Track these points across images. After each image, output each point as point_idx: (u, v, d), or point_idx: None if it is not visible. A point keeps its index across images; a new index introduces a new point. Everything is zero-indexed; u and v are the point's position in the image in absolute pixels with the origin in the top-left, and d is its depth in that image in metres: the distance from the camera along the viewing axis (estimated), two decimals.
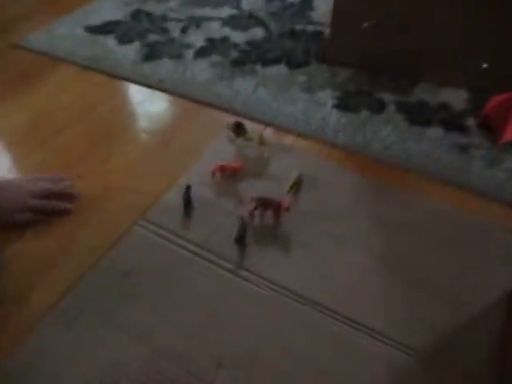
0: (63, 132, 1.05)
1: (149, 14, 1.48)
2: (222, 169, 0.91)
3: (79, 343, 0.65)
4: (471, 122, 1.07)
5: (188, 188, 0.86)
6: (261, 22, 1.44)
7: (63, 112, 1.11)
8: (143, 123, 1.10)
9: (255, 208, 0.84)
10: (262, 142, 0.96)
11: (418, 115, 1.09)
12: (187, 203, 0.85)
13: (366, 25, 1.14)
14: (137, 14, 1.47)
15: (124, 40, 1.35)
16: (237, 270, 0.76)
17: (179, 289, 0.73)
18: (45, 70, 1.26)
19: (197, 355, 0.64)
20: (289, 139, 1.02)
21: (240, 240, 0.79)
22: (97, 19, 1.45)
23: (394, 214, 0.86)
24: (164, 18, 1.46)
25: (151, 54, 1.28)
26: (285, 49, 1.32)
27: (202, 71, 1.22)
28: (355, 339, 0.67)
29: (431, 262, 0.78)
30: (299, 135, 1.03)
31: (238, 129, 0.96)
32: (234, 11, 1.50)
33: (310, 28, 1.41)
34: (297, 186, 0.89)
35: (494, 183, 0.92)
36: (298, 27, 1.42)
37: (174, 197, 0.87)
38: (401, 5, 1.11)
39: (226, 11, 1.50)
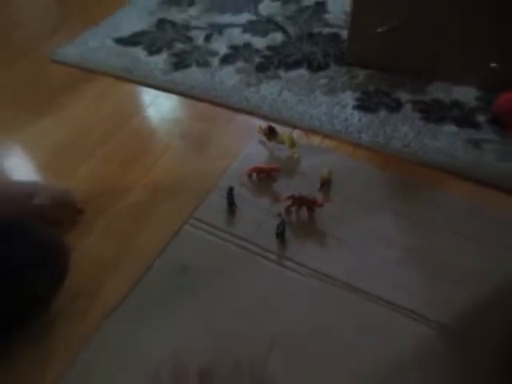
0: (105, 143, 1.13)
1: (172, 23, 1.56)
2: (259, 170, 1.01)
3: (147, 331, 0.76)
4: (482, 118, 1.16)
5: (231, 189, 0.95)
6: (279, 27, 1.53)
7: (102, 124, 1.19)
8: (178, 130, 1.19)
9: (291, 205, 0.93)
10: (292, 144, 1.06)
11: (433, 113, 1.17)
12: (231, 203, 0.95)
13: (381, 29, 1.22)
14: (161, 24, 1.56)
15: (152, 50, 1.44)
16: (280, 260, 0.86)
17: (232, 280, 0.83)
18: (79, 82, 1.34)
19: (253, 337, 0.75)
20: (316, 140, 1.12)
21: (280, 235, 0.89)
22: (124, 30, 1.54)
23: (417, 208, 0.96)
24: (187, 27, 1.54)
25: (180, 62, 1.37)
26: (304, 52, 1.40)
27: (228, 77, 1.31)
28: (388, 316, 0.77)
29: (452, 251, 0.87)
30: (325, 136, 1.12)
31: (271, 133, 1.06)
32: (253, 17, 1.59)
33: (327, 30, 1.50)
34: (328, 183, 0.99)
35: (507, 175, 1.01)
36: (315, 30, 1.50)
37: (218, 198, 0.97)
38: (415, 9, 1.19)
39: (245, 17, 1.59)
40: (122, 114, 1.23)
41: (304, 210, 0.93)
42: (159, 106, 1.27)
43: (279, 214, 0.92)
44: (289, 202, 0.93)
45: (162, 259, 0.86)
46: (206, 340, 0.74)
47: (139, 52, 1.44)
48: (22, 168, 1.09)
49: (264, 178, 1.02)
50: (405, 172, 1.04)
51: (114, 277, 0.84)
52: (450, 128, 1.13)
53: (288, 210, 0.94)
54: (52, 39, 1.54)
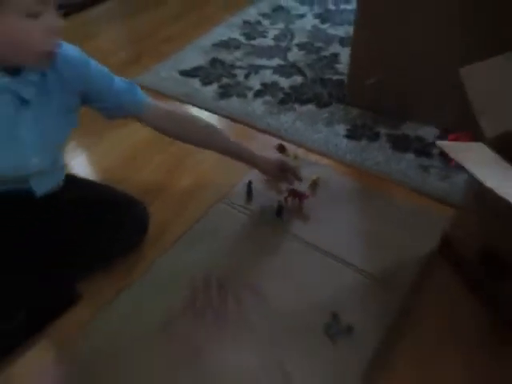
0: (168, 146, 1.65)
1: (222, 62, 2.10)
2: None
3: (190, 262, 1.25)
4: (436, 151, 1.61)
5: (250, 183, 1.45)
6: (300, 71, 2.03)
7: None
8: None
9: (288, 196, 1.42)
10: (295, 157, 1.55)
11: (400, 144, 1.64)
12: (249, 192, 1.45)
13: (368, 81, 1.70)
14: (214, 62, 2.10)
15: (206, 82, 1.97)
16: (276, 229, 1.35)
17: (247, 238, 1.33)
18: None
19: (251, 269, 1.24)
20: (313, 156, 1.61)
21: (279, 214, 1.38)
22: (186, 64, 2.08)
23: (375, 206, 1.43)
24: (233, 66, 2.07)
25: (225, 93, 1.90)
26: (316, 92, 1.90)
27: (258, 107, 1.82)
28: (342, 270, 1.24)
29: (393, 235, 1.33)
30: (320, 154, 1.61)
31: (281, 148, 1.56)
32: (282, 62, 2.10)
33: (336, 77, 1.99)
34: (315, 184, 1.47)
35: (442, 191, 1.46)
36: (327, 76, 2.00)
37: (241, 187, 1.47)
38: (396, 66, 1.67)
39: (276, 61, 2.10)
40: None
41: (296, 200, 1.42)
42: None
43: (279, 201, 1.41)
44: (286, 194, 1.42)
45: (202, 222, 1.37)
46: (224, 267, 1.23)
47: (196, 83, 1.97)
48: (112, 158, 1.63)
49: None
50: (371, 183, 1.51)
51: (170, 230, 1.35)
52: (410, 156, 1.60)
53: (285, 199, 1.42)
54: (132, 69, 2.09)
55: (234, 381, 1.01)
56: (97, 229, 1.19)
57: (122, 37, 2.47)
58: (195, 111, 1.84)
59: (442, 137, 1.67)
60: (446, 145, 1.05)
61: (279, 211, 1.38)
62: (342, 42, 2.22)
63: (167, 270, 1.24)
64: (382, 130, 1.71)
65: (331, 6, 2.52)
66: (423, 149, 1.63)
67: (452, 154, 0.99)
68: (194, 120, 1.28)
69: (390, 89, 1.71)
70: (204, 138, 1.28)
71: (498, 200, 0.86)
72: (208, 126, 1.29)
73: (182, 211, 1.41)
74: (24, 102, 0.93)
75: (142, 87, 1.99)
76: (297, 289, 1.21)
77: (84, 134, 1.74)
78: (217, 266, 1.24)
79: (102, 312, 1.15)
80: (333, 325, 1.13)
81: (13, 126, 0.94)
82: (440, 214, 1.40)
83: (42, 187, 1.11)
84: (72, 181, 1.25)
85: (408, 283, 1.22)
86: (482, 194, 1.05)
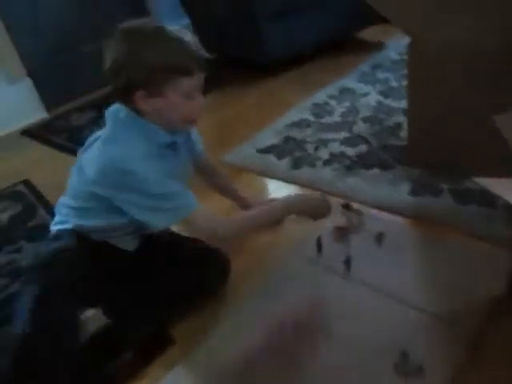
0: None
1: (294, 139, 2.38)
2: (338, 228, 1.67)
3: (268, 306, 1.43)
4: (501, 202, 1.67)
5: (319, 238, 1.62)
6: (366, 141, 2.24)
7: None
8: None
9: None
10: (360, 213, 1.71)
11: (463, 197, 1.73)
12: (319, 246, 1.61)
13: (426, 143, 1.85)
14: (287, 140, 2.39)
15: (280, 156, 2.25)
16: (344, 276, 1.49)
17: (319, 285, 1.48)
18: (233, 175, 2.16)
19: (320, 315, 1.37)
20: (377, 212, 1.75)
21: (346, 263, 1.52)
22: (263, 144, 2.39)
23: (438, 251, 1.52)
24: (304, 141, 2.34)
25: (297, 165, 2.15)
26: (380, 158, 2.08)
27: (327, 174, 2.04)
28: (408, 311, 1.33)
29: (454, 276, 1.41)
30: (383, 209, 1.75)
31: (347, 207, 1.73)
32: (348, 134, 2.33)
33: (399, 143, 2.16)
34: (380, 236, 1.60)
35: (508, 237, 1.51)
36: (391, 143, 2.18)
37: (312, 242, 1.64)
38: (450, 129, 1.80)
39: (343, 134, 2.34)
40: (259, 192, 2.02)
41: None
42: (281, 193, 2.01)
43: (347, 254, 1.55)
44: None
45: (278, 272, 1.56)
46: (297, 311, 1.39)
47: (272, 158, 2.25)
48: None
49: (341, 232, 1.67)
50: (435, 232, 1.61)
51: (250, 279, 1.54)
52: (473, 207, 1.68)
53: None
54: (218, 150, 2.43)
55: None
56: (186, 273, 1.44)
57: (212, 123, 2.86)
58: (270, 182, 2.10)
59: None
60: (483, 180, 1.16)
61: (347, 262, 1.52)
62: (405, 112, 2.41)
63: (247, 314, 1.42)
64: (445, 186, 1.81)
65: (394, 84, 2.76)
66: (487, 200, 1.69)
67: (490, 188, 1.11)
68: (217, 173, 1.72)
69: (447, 149, 1.83)
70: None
71: None
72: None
73: (261, 263, 1.61)
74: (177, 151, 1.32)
75: (227, 164, 2.34)
76: (365, 329, 1.31)
77: None
78: (290, 310, 1.40)
79: (193, 351, 1.34)
80: (403, 364, 1.20)
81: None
82: (507, 259, 1.44)
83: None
84: (172, 234, 1.55)
85: (474, 323, 1.27)
86: None
